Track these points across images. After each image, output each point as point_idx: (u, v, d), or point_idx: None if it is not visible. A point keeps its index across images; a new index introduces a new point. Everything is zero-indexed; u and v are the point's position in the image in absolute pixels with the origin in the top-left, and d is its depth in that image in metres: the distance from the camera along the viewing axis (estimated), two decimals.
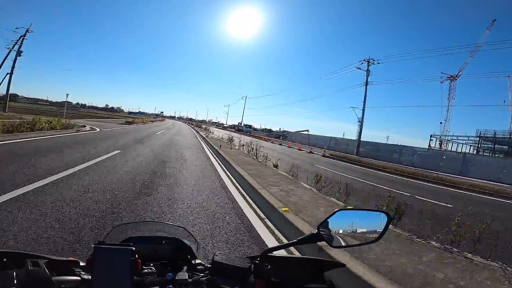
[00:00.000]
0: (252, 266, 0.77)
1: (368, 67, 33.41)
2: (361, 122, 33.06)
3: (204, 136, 21.71)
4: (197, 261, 0.87)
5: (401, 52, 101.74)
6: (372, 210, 0.89)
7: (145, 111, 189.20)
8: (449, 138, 41.48)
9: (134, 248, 0.70)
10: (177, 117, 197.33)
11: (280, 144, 32.87)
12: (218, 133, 33.52)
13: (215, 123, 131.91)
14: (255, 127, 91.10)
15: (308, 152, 25.65)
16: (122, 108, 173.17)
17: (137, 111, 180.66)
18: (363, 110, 33.18)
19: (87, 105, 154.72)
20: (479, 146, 38.68)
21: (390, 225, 0.97)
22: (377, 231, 0.83)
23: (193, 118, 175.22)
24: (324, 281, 0.77)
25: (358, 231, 0.84)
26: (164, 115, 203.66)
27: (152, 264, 0.81)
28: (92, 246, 0.69)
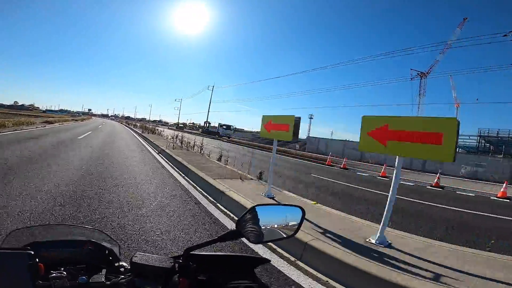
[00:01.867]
0: (176, 265, 0.73)
1: None
2: None
3: None
4: (121, 263, 0.81)
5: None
6: (288, 205, 0.91)
7: (70, 109, 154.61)
8: None
9: (32, 252, 0.67)
10: (111, 116, 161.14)
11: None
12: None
13: (159, 121, 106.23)
14: (235, 127, 60.50)
15: None
16: (36, 106, 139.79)
17: (57, 108, 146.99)
18: None
19: None
20: (478, 145, 37.15)
21: None
22: (295, 225, 0.85)
23: (131, 116, 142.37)
24: (254, 277, 0.75)
25: (276, 225, 0.84)
26: (95, 113, 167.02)
27: (63, 269, 0.73)
28: None
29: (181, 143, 14.32)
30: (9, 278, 0.62)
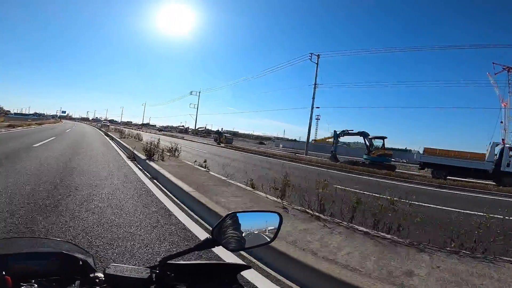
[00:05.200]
0: (153, 275, 0.72)
1: None
2: None
3: None
4: (96, 274, 0.78)
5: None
6: (265, 211, 0.93)
7: (44, 112, 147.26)
8: None
9: None
10: (93, 119, 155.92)
11: None
12: None
13: (147, 125, 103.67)
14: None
15: None
16: (7, 109, 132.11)
17: (29, 112, 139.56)
18: None
19: None
20: None
21: None
22: (273, 229, 0.87)
23: (114, 120, 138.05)
24: (237, 284, 0.74)
25: (254, 232, 0.84)
26: (73, 116, 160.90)
27: (34, 281, 0.71)
28: None
29: None
30: None
